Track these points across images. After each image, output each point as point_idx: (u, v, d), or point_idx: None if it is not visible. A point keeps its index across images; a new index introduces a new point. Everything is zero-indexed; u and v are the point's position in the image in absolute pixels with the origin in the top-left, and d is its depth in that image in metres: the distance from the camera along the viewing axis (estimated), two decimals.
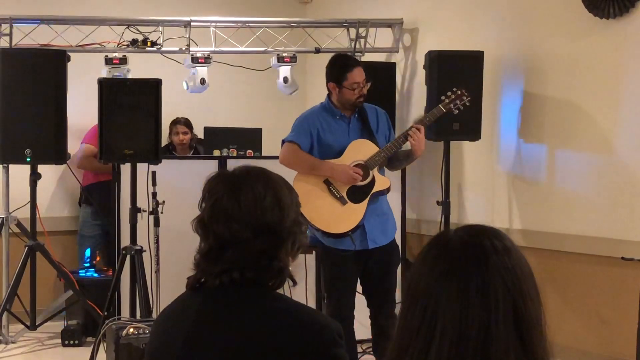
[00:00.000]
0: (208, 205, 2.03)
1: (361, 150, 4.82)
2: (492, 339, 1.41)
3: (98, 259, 6.77)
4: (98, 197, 6.85)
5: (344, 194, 4.79)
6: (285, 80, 6.73)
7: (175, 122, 7.24)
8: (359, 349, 5.47)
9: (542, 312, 1.50)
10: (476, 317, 1.42)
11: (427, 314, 1.45)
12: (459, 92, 5.05)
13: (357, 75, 4.80)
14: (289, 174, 4.60)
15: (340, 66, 4.85)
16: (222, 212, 2.00)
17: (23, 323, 6.07)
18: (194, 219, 2.06)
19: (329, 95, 4.92)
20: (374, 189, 4.81)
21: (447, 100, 5.02)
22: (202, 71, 6.48)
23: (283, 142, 4.92)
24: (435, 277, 1.48)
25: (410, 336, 1.46)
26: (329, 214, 4.77)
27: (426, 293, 1.47)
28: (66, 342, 6.16)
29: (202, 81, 6.46)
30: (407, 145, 4.89)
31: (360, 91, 4.79)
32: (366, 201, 4.79)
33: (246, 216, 1.99)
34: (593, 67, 5.39)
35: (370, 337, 5.02)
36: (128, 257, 5.51)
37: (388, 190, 4.90)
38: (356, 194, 4.79)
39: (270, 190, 2.03)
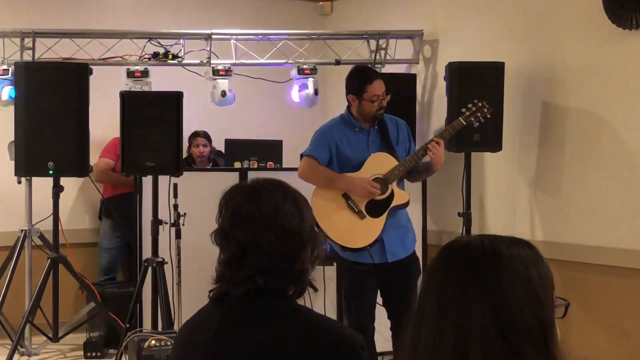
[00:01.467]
0: (227, 214, 2.04)
1: (380, 163, 4.80)
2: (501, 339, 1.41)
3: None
4: (118, 209, 6.87)
5: (363, 208, 4.76)
6: (310, 92, 6.70)
7: (194, 135, 7.26)
8: None
9: (552, 317, 1.49)
10: (477, 318, 1.42)
11: (434, 313, 1.45)
12: (480, 105, 5.01)
13: (377, 87, 4.78)
14: (307, 188, 4.61)
15: (359, 78, 4.84)
16: (243, 218, 2.01)
17: (45, 335, 6.10)
18: (213, 231, 2.07)
19: (348, 107, 4.91)
20: (393, 204, 4.79)
21: (467, 113, 4.99)
22: (222, 84, 6.51)
23: (302, 156, 4.91)
24: (439, 278, 1.48)
25: (420, 335, 1.47)
26: (347, 228, 4.75)
27: (431, 294, 1.48)
28: (88, 354, 6.18)
29: (223, 93, 6.48)
30: (427, 158, 4.88)
31: (379, 103, 4.78)
32: (385, 215, 4.77)
33: (268, 219, 2.00)
34: (615, 78, 5.37)
35: (391, 349, 5.01)
36: (150, 269, 5.53)
37: (407, 204, 4.87)
38: (375, 208, 4.77)
39: (289, 197, 2.05)
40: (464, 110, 5.02)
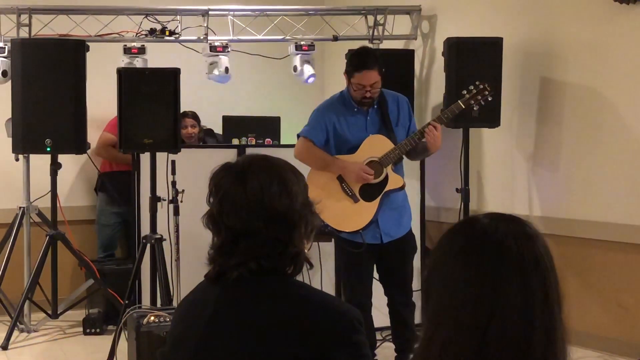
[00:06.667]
0: (216, 200, 2.04)
1: (376, 146, 4.76)
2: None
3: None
4: (114, 185, 6.87)
5: (356, 192, 4.75)
6: (296, 70, 6.61)
7: (182, 115, 7.10)
8: (379, 337, 5.47)
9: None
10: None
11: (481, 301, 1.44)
12: (481, 87, 4.94)
13: (365, 78, 4.66)
14: (303, 167, 4.60)
15: (353, 64, 4.74)
16: (231, 204, 2.01)
17: (45, 312, 6.12)
18: (204, 215, 2.07)
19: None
20: (387, 188, 4.76)
21: (467, 96, 4.94)
22: (224, 60, 6.47)
23: (298, 136, 4.89)
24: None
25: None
26: (340, 211, 4.73)
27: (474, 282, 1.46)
28: (87, 330, 6.20)
29: (227, 70, 6.46)
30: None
31: (363, 94, 4.69)
32: (378, 199, 4.75)
33: (255, 206, 1.99)
34: (614, 53, 5.35)
35: (389, 324, 5.02)
36: (148, 245, 5.54)
37: (402, 188, 4.85)
38: (369, 191, 4.75)
39: (276, 177, 2.03)
40: (464, 92, 4.96)
